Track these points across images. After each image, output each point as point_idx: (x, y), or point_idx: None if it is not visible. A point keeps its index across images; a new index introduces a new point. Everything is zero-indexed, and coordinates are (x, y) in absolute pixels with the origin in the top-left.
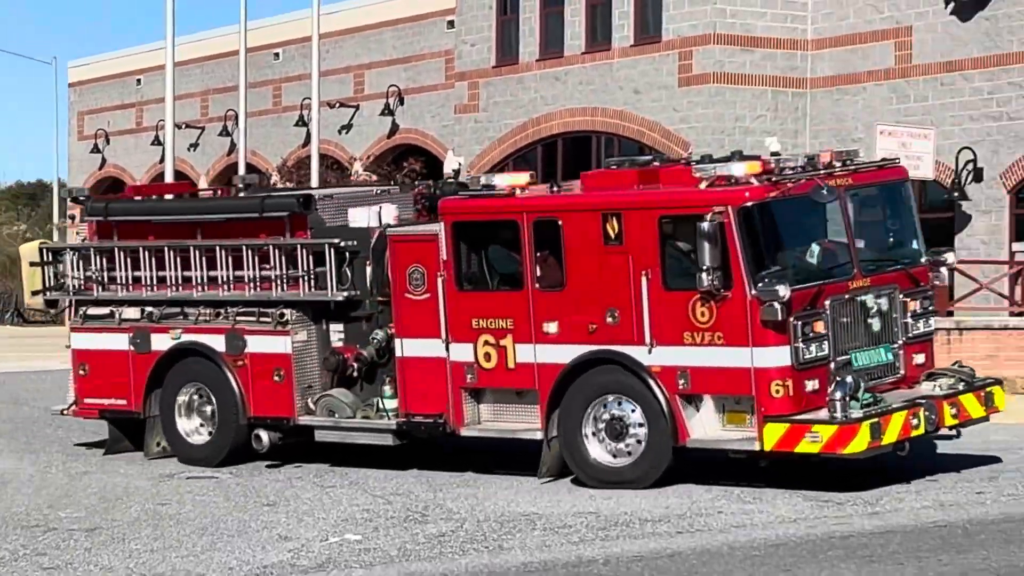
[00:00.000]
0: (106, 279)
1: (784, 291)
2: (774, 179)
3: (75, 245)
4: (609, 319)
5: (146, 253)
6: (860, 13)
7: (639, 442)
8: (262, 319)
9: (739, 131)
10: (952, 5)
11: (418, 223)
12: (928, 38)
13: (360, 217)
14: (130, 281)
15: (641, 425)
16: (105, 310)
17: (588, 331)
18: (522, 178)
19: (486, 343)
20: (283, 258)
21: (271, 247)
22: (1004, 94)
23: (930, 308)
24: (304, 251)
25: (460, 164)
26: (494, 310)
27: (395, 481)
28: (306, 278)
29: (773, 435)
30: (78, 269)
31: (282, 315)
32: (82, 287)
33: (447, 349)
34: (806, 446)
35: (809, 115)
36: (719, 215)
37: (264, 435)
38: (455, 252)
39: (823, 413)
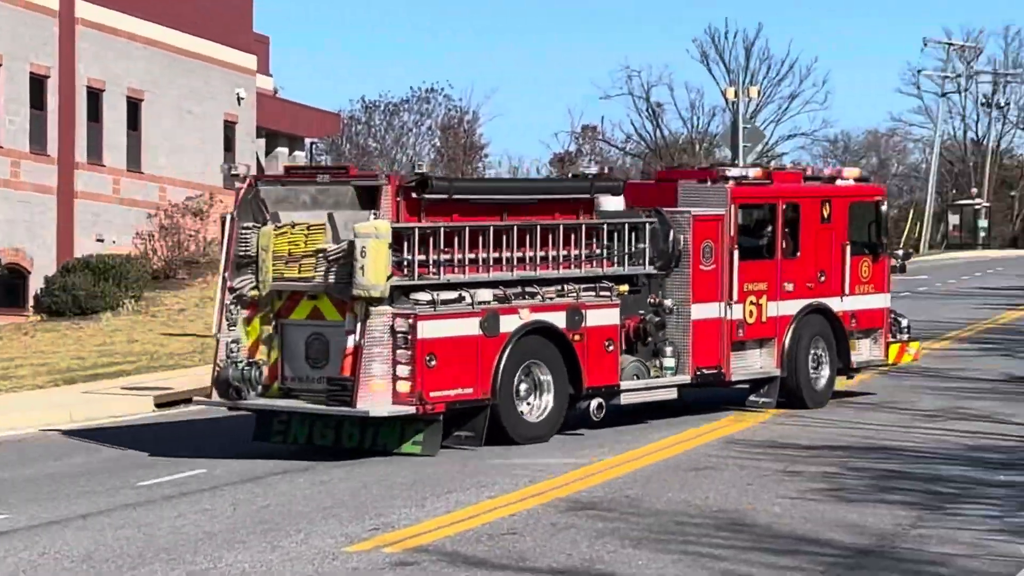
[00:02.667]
0: (454, 261)
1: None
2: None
3: (422, 226)
4: (821, 278)
5: (499, 232)
6: None
7: (828, 369)
8: (601, 293)
9: None
10: None
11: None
12: None
13: (610, 203)
14: (478, 263)
15: (829, 357)
16: (454, 294)
17: (807, 288)
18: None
19: (751, 303)
20: (604, 236)
21: (604, 225)
22: None
23: None
24: (628, 228)
25: None
26: (757, 276)
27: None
28: (626, 255)
29: (892, 353)
30: (416, 251)
31: (621, 288)
32: (417, 271)
33: (725, 311)
34: (905, 359)
35: None
36: (882, 201)
37: (603, 404)
38: (738, 229)
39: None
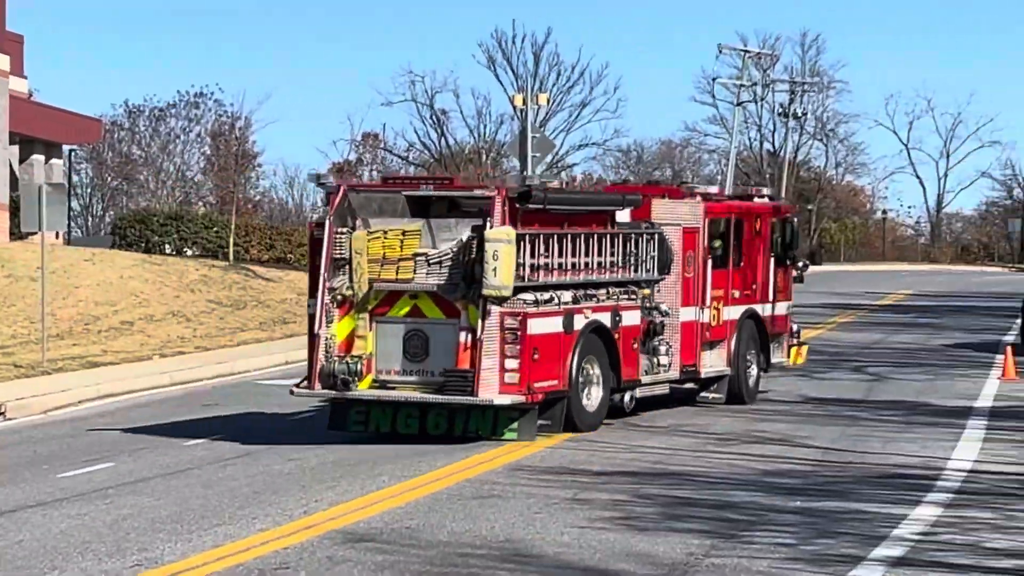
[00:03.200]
0: (548, 265)
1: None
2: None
3: (532, 232)
4: (754, 286)
5: (573, 239)
6: None
7: (756, 369)
8: (631, 296)
9: None
10: None
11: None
12: None
13: (623, 216)
14: (559, 267)
15: (756, 358)
16: (548, 295)
17: (746, 296)
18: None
19: (714, 307)
20: (632, 244)
21: (633, 234)
22: None
23: None
24: (645, 238)
25: None
26: (718, 283)
27: None
28: (643, 262)
29: (792, 355)
30: (521, 256)
31: (645, 292)
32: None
33: (699, 314)
34: (799, 361)
35: None
36: (792, 218)
37: (634, 397)
38: (708, 240)
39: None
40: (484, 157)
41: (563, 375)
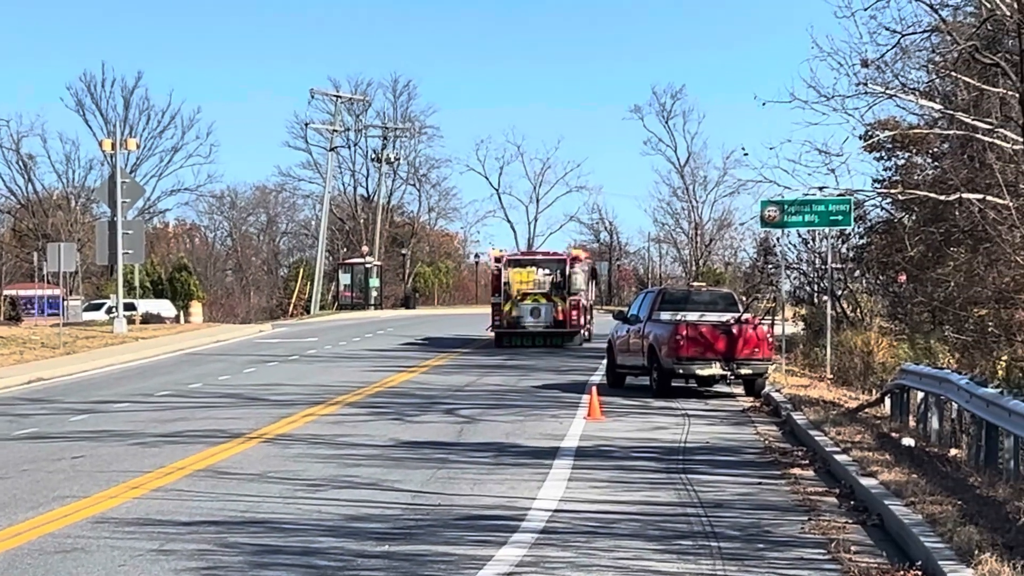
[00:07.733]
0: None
1: None
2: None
3: (581, 269)
4: (589, 293)
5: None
6: None
7: (592, 328)
8: (583, 294)
9: None
10: None
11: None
12: None
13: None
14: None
15: (591, 326)
16: (581, 293)
17: (587, 296)
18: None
19: (590, 302)
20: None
21: (591, 269)
22: None
23: None
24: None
25: None
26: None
27: None
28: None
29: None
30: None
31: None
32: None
33: (587, 304)
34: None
35: None
36: (596, 263)
37: (587, 333)
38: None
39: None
40: (73, 203)
41: (584, 322)
